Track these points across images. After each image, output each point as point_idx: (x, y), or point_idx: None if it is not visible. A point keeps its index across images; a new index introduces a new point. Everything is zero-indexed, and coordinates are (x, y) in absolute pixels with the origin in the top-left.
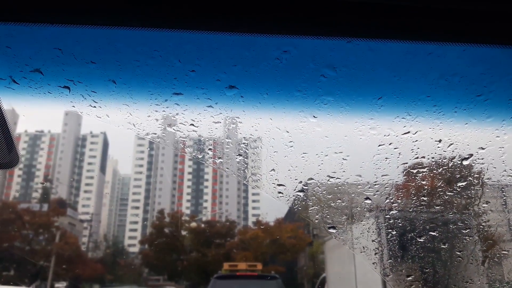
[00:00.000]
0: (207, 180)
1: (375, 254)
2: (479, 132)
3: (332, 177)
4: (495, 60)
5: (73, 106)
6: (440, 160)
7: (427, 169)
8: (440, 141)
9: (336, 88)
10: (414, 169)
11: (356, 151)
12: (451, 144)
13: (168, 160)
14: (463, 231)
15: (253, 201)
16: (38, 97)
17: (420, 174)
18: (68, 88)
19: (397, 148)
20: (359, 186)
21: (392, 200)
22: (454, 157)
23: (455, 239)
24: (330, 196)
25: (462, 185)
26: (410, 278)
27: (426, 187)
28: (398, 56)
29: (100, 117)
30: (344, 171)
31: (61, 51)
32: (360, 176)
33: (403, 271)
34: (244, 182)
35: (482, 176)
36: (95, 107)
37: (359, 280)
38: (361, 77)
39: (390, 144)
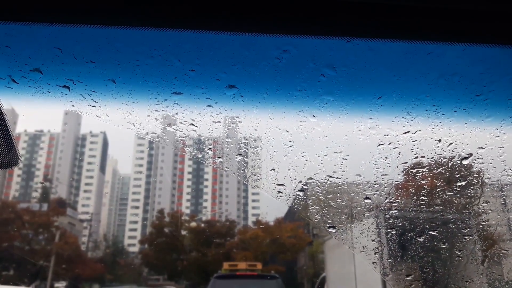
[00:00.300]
0: (207, 179)
1: (375, 253)
2: (478, 131)
3: (332, 177)
4: (495, 60)
5: (73, 106)
6: (439, 160)
7: (426, 169)
8: (439, 140)
9: (336, 88)
10: (414, 168)
11: (356, 151)
12: (451, 143)
13: (168, 160)
14: (463, 230)
15: (253, 200)
16: (37, 96)
17: (420, 174)
18: (68, 87)
19: (396, 148)
20: (358, 186)
21: (391, 200)
22: (453, 157)
23: (454, 239)
24: (330, 196)
25: (461, 184)
26: (409, 277)
27: (425, 187)
28: (398, 56)
29: (100, 117)
30: (343, 171)
31: (61, 51)
32: (359, 175)
33: (403, 270)
34: (244, 181)
35: (482, 176)
36: (94, 106)
37: (359, 280)
38: (361, 77)
39: (389, 143)
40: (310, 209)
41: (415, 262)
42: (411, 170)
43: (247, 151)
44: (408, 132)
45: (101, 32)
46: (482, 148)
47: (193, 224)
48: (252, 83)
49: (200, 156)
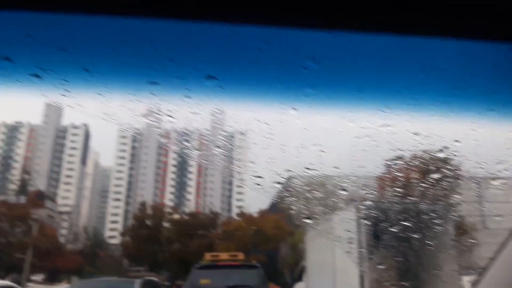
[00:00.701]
0: (191, 172)
1: (350, 243)
2: (455, 125)
3: (310, 169)
4: (474, 54)
5: (44, 95)
6: (416, 153)
7: (403, 162)
8: (417, 134)
9: (317, 81)
10: (391, 161)
11: (335, 144)
12: (428, 137)
13: (151, 152)
14: (436, 221)
15: (238, 193)
16: (6, 86)
17: (397, 167)
18: (39, 76)
19: (375, 141)
20: (336, 178)
21: (368, 191)
22: (430, 150)
23: (427, 229)
24: (307, 188)
25: (437, 177)
26: (382, 266)
27: (402, 179)
28: (379, 49)
29: (73, 107)
30: (322, 163)
31: (32, 38)
32: (337, 168)
33: (376, 259)
34: (223, 174)
35: (457, 169)
36: (67, 96)
37: (337, 269)
38: (342, 70)
39: (368, 136)
40: (288, 201)
41: (389, 251)
42: (388, 162)
43: (226, 143)
44: (386, 125)
45: (74, 19)
46: (458, 142)
47: (176, 216)
48: (232, 74)
49: (177, 148)
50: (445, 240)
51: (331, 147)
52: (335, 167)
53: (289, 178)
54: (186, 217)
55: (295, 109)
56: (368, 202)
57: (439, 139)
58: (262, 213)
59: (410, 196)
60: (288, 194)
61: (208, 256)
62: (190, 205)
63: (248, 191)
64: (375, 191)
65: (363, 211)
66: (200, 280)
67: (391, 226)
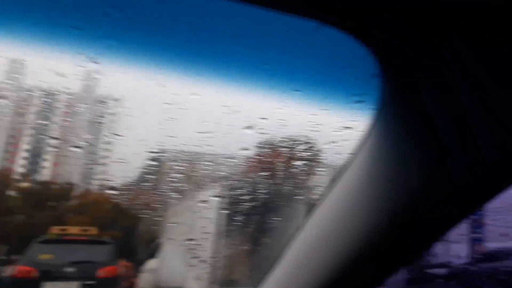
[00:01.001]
0: (53, 137)
1: (157, 217)
2: (262, 102)
3: (120, 135)
4: (283, 30)
5: None
6: (227, 126)
7: (212, 135)
8: (227, 106)
9: (121, 32)
10: (203, 133)
11: (141, 107)
12: (237, 111)
13: (5, 110)
14: (233, 192)
15: (102, 164)
16: None
17: (207, 138)
18: None
19: (185, 109)
20: (143, 142)
21: (177, 163)
22: (238, 124)
23: (234, 206)
24: (111, 152)
25: (245, 152)
26: (189, 241)
27: (210, 152)
28: (195, 9)
29: None
30: (128, 129)
31: None
32: (144, 139)
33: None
34: (30, 132)
35: (262, 145)
36: None
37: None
38: (149, 24)
39: (178, 104)
40: (107, 167)
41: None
42: (198, 133)
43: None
44: (197, 94)
45: None
46: (265, 119)
47: (25, 184)
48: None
49: None
50: (253, 217)
51: (138, 110)
52: (141, 139)
53: (86, 144)
54: (36, 186)
55: (96, 62)
56: (176, 175)
57: (247, 114)
58: (127, 187)
59: (267, 177)
60: (106, 161)
61: (54, 230)
62: (45, 174)
63: (114, 163)
64: (183, 161)
65: (169, 184)
66: (39, 255)
67: (233, 206)
